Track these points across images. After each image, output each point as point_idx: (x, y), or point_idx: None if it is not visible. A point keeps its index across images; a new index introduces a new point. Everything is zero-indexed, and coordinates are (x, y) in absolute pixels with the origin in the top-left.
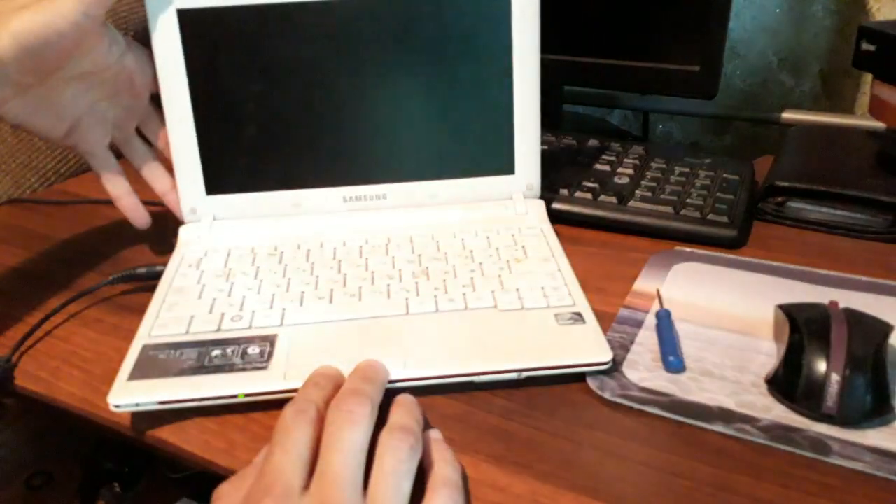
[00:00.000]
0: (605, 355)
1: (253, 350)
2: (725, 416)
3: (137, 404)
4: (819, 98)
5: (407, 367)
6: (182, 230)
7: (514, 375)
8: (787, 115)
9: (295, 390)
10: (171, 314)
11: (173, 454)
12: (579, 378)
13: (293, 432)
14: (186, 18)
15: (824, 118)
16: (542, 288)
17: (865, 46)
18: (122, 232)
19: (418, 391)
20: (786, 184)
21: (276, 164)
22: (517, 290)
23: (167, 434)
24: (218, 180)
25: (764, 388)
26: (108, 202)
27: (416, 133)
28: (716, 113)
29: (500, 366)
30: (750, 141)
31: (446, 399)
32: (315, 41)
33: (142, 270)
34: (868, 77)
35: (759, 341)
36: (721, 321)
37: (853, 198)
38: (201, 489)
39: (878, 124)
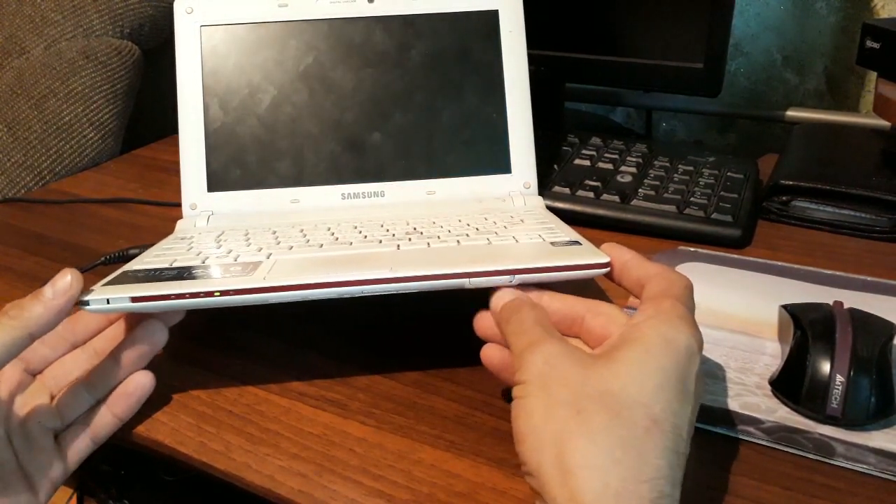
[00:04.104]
0: (603, 258)
1: (235, 268)
2: (729, 417)
3: (108, 301)
4: (823, 96)
5: (393, 270)
6: (179, 222)
7: (507, 279)
8: (792, 114)
9: (274, 289)
10: (155, 258)
11: (169, 457)
12: None
13: None
14: (207, 33)
15: (829, 116)
16: (540, 234)
17: (870, 44)
18: (117, 231)
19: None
20: (790, 182)
21: (278, 164)
22: (513, 236)
23: (163, 436)
24: (220, 178)
25: (768, 389)
26: (104, 201)
27: (414, 134)
28: (720, 111)
29: (492, 267)
30: (754, 139)
31: (445, 401)
32: (319, 52)
33: (135, 251)
34: (872, 75)
35: (763, 342)
36: (725, 322)
37: (858, 197)
38: (198, 492)
39: (883, 122)
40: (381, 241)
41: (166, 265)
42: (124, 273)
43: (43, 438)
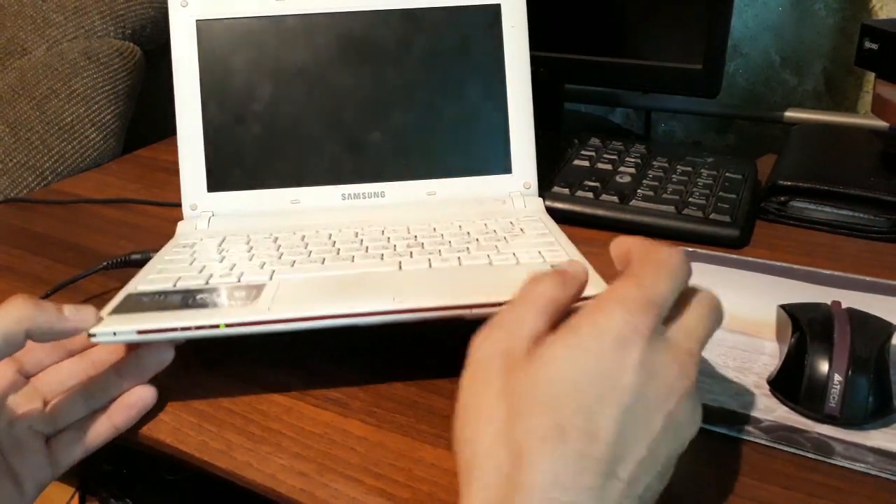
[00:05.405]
0: (602, 286)
1: (238, 293)
2: (728, 417)
3: (115, 333)
4: (822, 97)
5: (396, 301)
6: (180, 224)
7: None
8: (790, 114)
9: (279, 321)
10: (159, 275)
11: (171, 456)
12: None
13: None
14: (204, 28)
15: (827, 117)
16: (539, 252)
17: (868, 45)
18: (119, 231)
19: (410, 329)
20: (788, 183)
21: (277, 163)
22: (513, 253)
23: (164, 435)
24: (220, 178)
25: (766, 389)
26: (106, 202)
27: (414, 134)
28: (718, 112)
29: (493, 299)
30: (752, 140)
31: (445, 400)
32: (318, 49)
33: (136, 256)
34: (871, 76)
35: (761, 342)
36: (724, 322)
37: (856, 197)
38: (199, 491)
39: (881, 123)
40: (382, 257)
41: (170, 285)
42: (129, 297)
43: (32, 441)
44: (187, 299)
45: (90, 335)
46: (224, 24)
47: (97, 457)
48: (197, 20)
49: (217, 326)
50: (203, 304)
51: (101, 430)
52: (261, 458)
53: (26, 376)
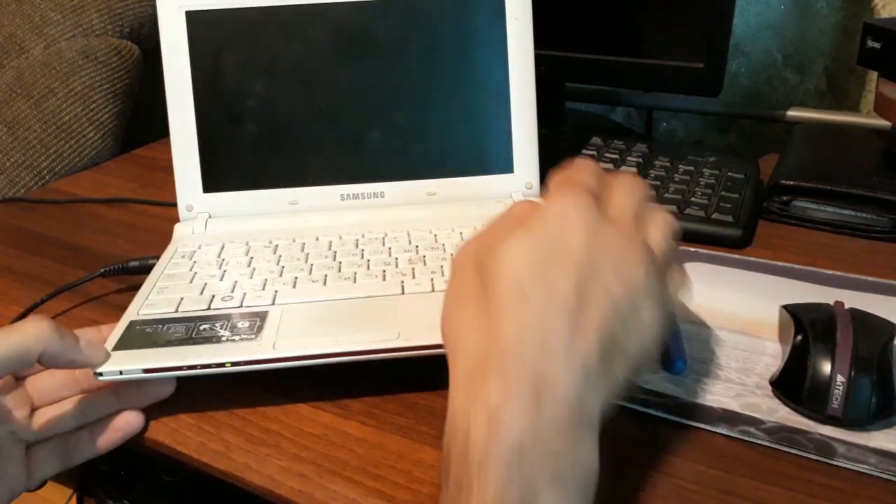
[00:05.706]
0: None
1: (242, 324)
2: (730, 418)
3: (121, 372)
4: (824, 95)
5: (401, 337)
6: (177, 227)
7: None
8: (792, 113)
9: (283, 360)
10: (160, 296)
11: (169, 457)
12: None
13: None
14: (194, 19)
15: (829, 116)
16: None
17: (871, 44)
18: (117, 231)
19: (414, 363)
20: (791, 182)
21: (274, 163)
22: None
23: (163, 436)
24: (216, 178)
25: (769, 389)
26: (104, 201)
27: (415, 132)
28: (720, 111)
29: None
30: (754, 139)
31: (445, 402)
32: (316, 42)
33: (134, 263)
34: (873, 75)
35: (763, 342)
36: (725, 322)
37: (858, 197)
38: (198, 492)
39: (884, 122)
40: (384, 276)
41: (173, 309)
42: (132, 325)
43: (12, 447)
44: (191, 330)
45: (97, 374)
46: (215, 14)
47: (95, 457)
48: (186, 11)
49: (223, 365)
50: (207, 339)
51: (83, 448)
52: (259, 460)
53: (18, 377)
